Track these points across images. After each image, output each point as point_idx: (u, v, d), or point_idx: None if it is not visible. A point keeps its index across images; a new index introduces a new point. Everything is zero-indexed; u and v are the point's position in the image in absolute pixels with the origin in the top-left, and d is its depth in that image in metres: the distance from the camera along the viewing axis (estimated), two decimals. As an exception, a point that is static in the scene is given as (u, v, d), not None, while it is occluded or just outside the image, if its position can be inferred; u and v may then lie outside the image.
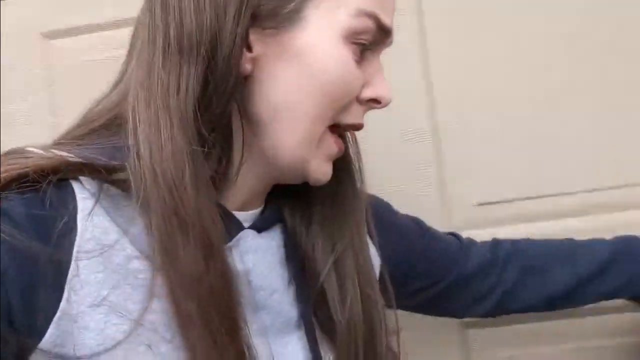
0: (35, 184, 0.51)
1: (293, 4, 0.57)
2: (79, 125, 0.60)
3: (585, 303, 0.83)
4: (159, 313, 0.53)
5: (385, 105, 0.63)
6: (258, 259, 0.62)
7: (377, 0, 0.60)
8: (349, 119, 0.61)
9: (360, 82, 0.61)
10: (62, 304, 0.50)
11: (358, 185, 0.69)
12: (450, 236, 0.86)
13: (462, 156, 0.92)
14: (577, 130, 0.91)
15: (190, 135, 0.54)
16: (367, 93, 0.61)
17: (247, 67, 0.57)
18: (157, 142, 0.53)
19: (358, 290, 0.66)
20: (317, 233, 0.66)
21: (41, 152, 0.53)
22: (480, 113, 0.92)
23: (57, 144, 0.57)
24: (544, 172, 0.92)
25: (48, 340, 0.49)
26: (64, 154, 0.54)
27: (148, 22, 0.57)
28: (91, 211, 0.52)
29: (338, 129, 0.62)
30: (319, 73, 0.58)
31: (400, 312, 0.72)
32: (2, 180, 0.50)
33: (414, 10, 0.92)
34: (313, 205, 0.67)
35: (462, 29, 0.92)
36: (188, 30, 0.55)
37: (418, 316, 0.86)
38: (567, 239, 0.84)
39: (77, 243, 0.51)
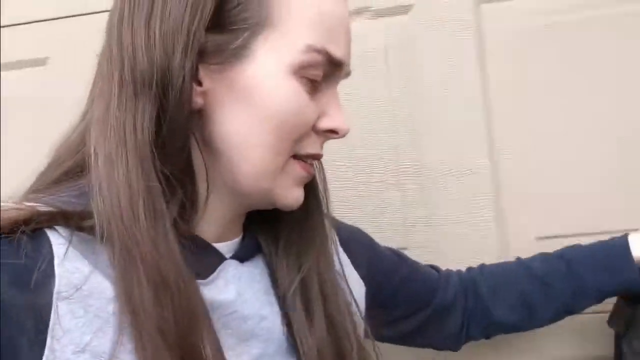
0: (9, 235, 0.51)
1: (240, 40, 0.57)
2: (49, 167, 0.60)
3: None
4: (131, 353, 0.52)
5: (343, 135, 0.63)
6: (243, 288, 0.63)
7: (327, 35, 0.59)
8: (307, 149, 0.62)
9: (314, 114, 0.61)
10: (46, 352, 0.50)
11: (324, 210, 0.70)
12: (430, 268, 0.88)
13: (522, 189, 0.93)
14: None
15: (147, 170, 0.54)
16: (324, 124, 0.62)
17: (199, 101, 0.58)
18: (114, 179, 0.53)
19: (323, 315, 0.66)
20: (282, 257, 0.67)
21: (13, 205, 0.54)
22: (541, 146, 0.93)
23: (32, 191, 0.58)
24: (604, 208, 0.91)
25: None
26: (35, 204, 0.54)
27: (106, 58, 0.58)
28: (64, 257, 0.52)
29: (302, 158, 0.62)
30: (268, 107, 0.58)
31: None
32: None
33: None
34: (281, 231, 0.67)
35: (523, 62, 0.94)
36: (140, 67, 0.55)
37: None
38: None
39: (55, 290, 0.51)
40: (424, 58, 0.96)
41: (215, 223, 0.62)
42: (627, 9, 0.91)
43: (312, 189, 0.68)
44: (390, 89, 0.97)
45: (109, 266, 0.53)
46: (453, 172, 0.95)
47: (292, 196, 0.62)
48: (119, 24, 0.58)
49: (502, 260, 0.92)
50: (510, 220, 0.94)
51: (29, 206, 0.54)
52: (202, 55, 0.57)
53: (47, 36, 1.05)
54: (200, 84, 0.58)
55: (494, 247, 0.94)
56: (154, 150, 0.55)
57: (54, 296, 0.51)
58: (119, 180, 0.53)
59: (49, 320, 0.50)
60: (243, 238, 0.66)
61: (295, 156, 0.61)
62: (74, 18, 1.04)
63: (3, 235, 0.51)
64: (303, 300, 0.66)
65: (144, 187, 0.54)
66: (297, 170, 0.62)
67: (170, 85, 0.55)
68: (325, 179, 0.70)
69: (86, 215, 0.54)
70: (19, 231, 0.51)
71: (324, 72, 0.60)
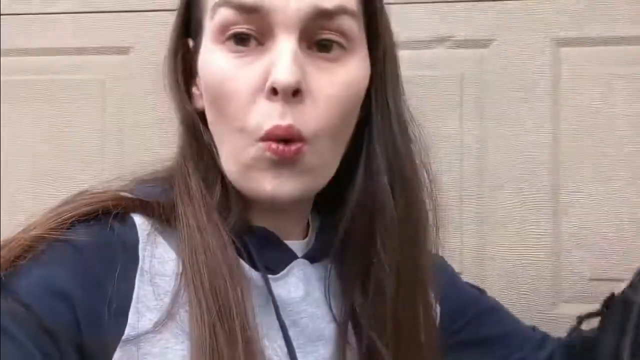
0: (100, 218, 0.55)
1: (197, 40, 0.61)
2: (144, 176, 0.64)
3: None
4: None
5: (286, 89, 0.53)
6: (311, 288, 0.63)
7: None
8: (264, 122, 0.55)
9: (252, 77, 0.55)
10: (127, 330, 0.52)
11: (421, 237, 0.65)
12: (524, 324, 0.80)
13: (580, 229, 0.95)
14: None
15: (196, 171, 0.60)
16: (266, 85, 0.54)
17: (201, 103, 0.62)
18: (178, 184, 0.60)
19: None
20: (350, 262, 0.64)
21: (103, 191, 0.58)
22: (603, 188, 0.95)
23: (122, 186, 0.62)
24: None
25: None
26: (124, 193, 0.58)
27: None
28: (147, 240, 0.56)
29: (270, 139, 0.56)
30: (206, 85, 0.58)
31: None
32: (73, 216, 0.54)
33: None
34: (359, 244, 0.63)
35: (596, 107, 0.96)
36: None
37: None
38: None
39: (139, 271, 0.54)
40: (498, 93, 0.98)
41: (272, 219, 0.62)
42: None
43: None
44: (462, 119, 0.99)
45: (179, 248, 0.57)
46: (514, 208, 0.97)
47: (262, 183, 0.56)
48: None
49: (553, 299, 0.95)
50: (565, 258, 0.96)
51: (119, 193, 0.58)
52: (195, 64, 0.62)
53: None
54: (199, 89, 0.62)
55: (547, 282, 0.96)
56: (195, 151, 0.60)
57: (137, 277, 0.54)
58: (189, 197, 0.59)
59: (131, 299, 0.53)
60: (316, 239, 0.66)
61: (263, 139, 0.55)
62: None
63: (95, 218, 0.55)
64: (377, 329, 0.63)
65: (195, 180, 0.59)
66: (262, 150, 0.55)
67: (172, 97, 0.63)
68: (419, 201, 0.64)
69: (167, 206, 0.58)
70: (111, 215, 0.55)
71: (249, 24, 0.55)
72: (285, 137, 0.55)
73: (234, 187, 0.59)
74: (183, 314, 0.55)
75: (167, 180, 0.61)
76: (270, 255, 0.61)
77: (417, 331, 0.64)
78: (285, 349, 0.59)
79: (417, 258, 0.64)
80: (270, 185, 0.56)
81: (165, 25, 1.03)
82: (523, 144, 0.98)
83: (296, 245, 0.64)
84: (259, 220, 0.61)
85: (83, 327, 0.50)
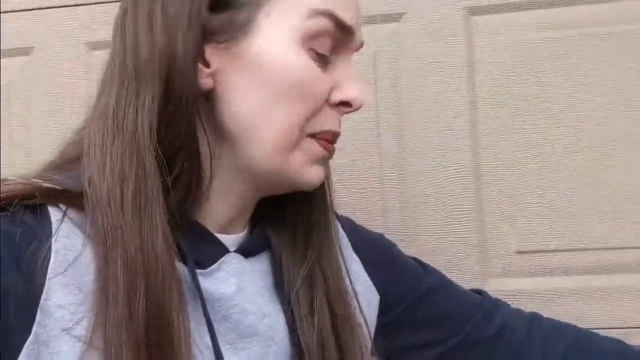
0: (9, 208, 0.51)
1: (243, 15, 0.57)
2: (57, 157, 0.61)
3: None
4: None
5: (357, 107, 0.61)
6: (245, 283, 0.61)
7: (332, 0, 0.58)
8: (323, 126, 0.60)
9: (326, 86, 0.59)
10: (35, 328, 0.49)
11: (329, 204, 0.68)
12: (473, 292, 0.80)
13: (505, 202, 0.93)
14: (625, 184, 0.90)
15: (142, 157, 0.54)
16: (337, 96, 0.60)
17: (207, 82, 0.57)
18: (105, 166, 0.54)
19: (328, 312, 0.64)
20: (288, 253, 0.65)
21: (15, 179, 0.54)
22: (526, 159, 0.92)
23: (35, 174, 0.58)
24: (585, 223, 0.91)
25: None
26: (40, 181, 0.55)
27: (110, 52, 0.59)
28: (60, 231, 0.52)
29: (320, 137, 0.60)
30: (277, 80, 0.57)
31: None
32: None
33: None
34: (288, 226, 0.66)
35: (511, 75, 0.93)
36: (143, 55, 0.56)
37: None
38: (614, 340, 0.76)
39: (51, 265, 0.51)
40: (413, 67, 0.96)
41: (221, 213, 0.61)
42: (620, 29, 0.92)
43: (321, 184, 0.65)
44: (377, 97, 0.96)
45: (98, 244, 0.53)
46: (436, 182, 0.95)
47: (311, 174, 0.60)
48: (123, 17, 0.59)
49: (480, 275, 0.92)
50: (492, 233, 0.93)
51: (31, 181, 0.54)
52: (208, 36, 0.57)
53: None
54: (208, 65, 0.57)
55: (474, 260, 0.93)
56: (155, 137, 0.55)
57: (49, 271, 0.51)
58: (110, 171, 0.54)
59: (41, 295, 0.50)
60: (251, 232, 0.65)
61: (312, 135, 0.60)
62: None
63: (3, 209, 0.51)
64: (307, 299, 0.64)
65: (135, 177, 0.54)
66: (314, 148, 0.60)
67: (175, 70, 0.55)
68: (329, 173, 0.68)
69: (79, 193, 0.54)
70: (20, 205, 0.52)
71: (333, 40, 0.59)
72: (334, 138, 0.62)
73: (206, 179, 0.58)
74: (97, 308, 0.52)
75: (77, 174, 0.57)
76: (200, 249, 0.59)
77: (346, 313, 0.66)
78: (212, 347, 0.57)
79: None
80: (317, 177, 0.61)
81: (66, 22, 1.02)
82: (441, 117, 0.95)
83: (231, 239, 0.62)
84: (197, 215, 0.60)
85: None
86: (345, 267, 0.69)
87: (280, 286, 0.64)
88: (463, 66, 0.95)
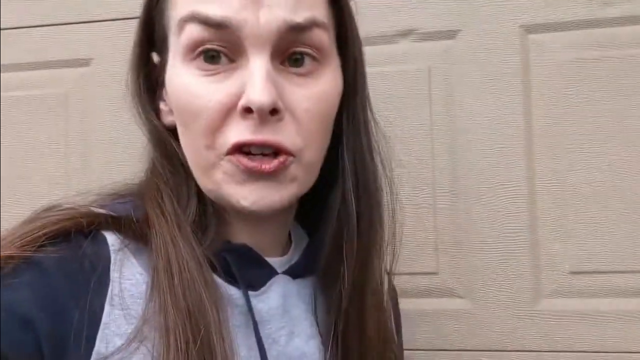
0: (70, 236, 0.52)
1: (162, 55, 0.61)
2: (112, 192, 0.63)
3: None
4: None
5: (260, 109, 0.53)
6: (291, 305, 0.62)
7: (196, 0, 0.55)
8: (232, 137, 0.54)
9: (219, 95, 0.54)
10: (94, 356, 0.50)
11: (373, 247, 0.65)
12: None
13: (558, 222, 0.92)
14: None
15: (167, 188, 0.58)
16: (239, 104, 0.54)
17: (169, 119, 0.61)
18: (150, 201, 0.58)
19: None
20: (323, 292, 0.65)
21: (75, 206, 0.56)
22: (581, 180, 0.92)
23: (87, 201, 0.60)
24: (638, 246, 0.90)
25: None
26: (95, 208, 0.57)
27: None
28: (119, 262, 0.54)
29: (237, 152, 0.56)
30: (176, 105, 0.58)
31: None
32: (43, 234, 0.52)
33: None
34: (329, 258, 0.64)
35: (568, 94, 0.93)
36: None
37: None
38: None
39: (109, 295, 0.52)
40: (467, 84, 0.96)
41: (253, 235, 0.61)
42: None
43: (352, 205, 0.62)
44: (432, 113, 0.96)
45: (149, 265, 0.55)
46: (489, 200, 0.94)
47: (239, 195, 0.55)
48: None
49: (533, 295, 0.92)
50: (545, 253, 0.93)
51: (90, 210, 0.56)
52: (160, 78, 0.61)
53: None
54: (166, 104, 0.62)
55: (526, 278, 0.93)
56: (166, 167, 0.60)
57: (107, 301, 0.52)
58: (153, 199, 0.58)
59: (99, 324, 0.51)
60: (303, 254, 0.66)
61: (228, 152, 0.55)
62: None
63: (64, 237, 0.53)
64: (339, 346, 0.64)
65: (167, 197, 0.58)
66: (230, 165, 0.55)
67: (139, 115, 0.63)
68: (380, 217, 0.66)
69: (140, 223, 0.56)
70: (81, 233, 0.53)
71: (218, 40, 0.54)
72: (264, 152, 0.55)
73: (211, 203, 0.59)
74: (154, 338, 0.52)
75: (138, 195, 0.60)
76: (250, 271, 0.60)
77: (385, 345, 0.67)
78: None
79: (371, 276, 0.66)
80: (251, 198, 0.55)
81: (125, 33, 1.03)
82: (496, 136, 0.95)
83: (276, 261, 0.63)
84: (238, 237, 0.60)
85: (46, 356, 0.48)
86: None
87: (319, 313, 0.65)
88: (518, 84, 0.94)
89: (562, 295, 0.92)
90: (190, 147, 0.57)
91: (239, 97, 0.54)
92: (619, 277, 0.90)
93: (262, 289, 0.60)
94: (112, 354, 0.51)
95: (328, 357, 0.63)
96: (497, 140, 0.95)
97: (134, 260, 0.55)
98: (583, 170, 0.92)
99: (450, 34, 0.97)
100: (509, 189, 0.94)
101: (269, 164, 0.55)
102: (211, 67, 0.55)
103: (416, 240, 0.96)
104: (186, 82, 0.55)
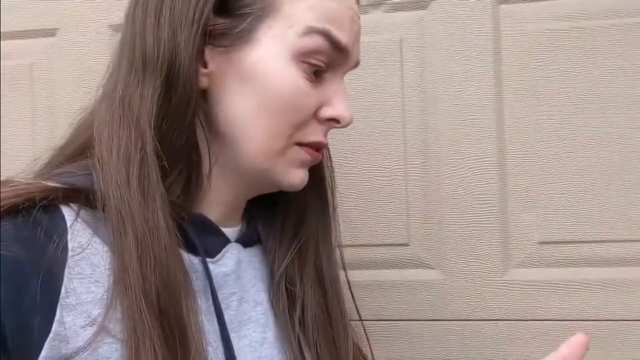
0: (24, 210, 0.52)
1: (244, 24, 0.59)
2: (63, 146, 0.63)
3: None
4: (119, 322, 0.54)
5: (346, 125, 0.64)
6: (242, 272, 0.65)
7: (329, 19, 0.60)
8: (309, 137, 0.62)
9: (314, 101, 0.61)
10: (55, 326, 0.51)
11: (329, 202, 0.72)
12: None
13: (528, 192, 0.93)
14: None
15: (146, 145, 0.56)
16: (326, 112, 0.62)
17: (204, 81, 0.59)
18: (114, 150, 0.56)
19: (310, 309, 0.67)
20: (277, 245, 0.69)
21: (28, 181, 0.56)
22: (551, 150, 0.92)
23: (45, 169, 0.61)
24: (609, 216, 0.91)
25: (42, 359, 0.50)
26: (49, 182, 0.56)
27: (120, 40, 0.62)
28: (74, 230, 0.54)
29: (306, 145, 0.63)
30: (268, 91, 0.59)
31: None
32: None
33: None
34: (278, 220, 0.69)
35: (539, 64, 0.93)
36: (149, 46, 0.58)
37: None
38: None
39: (68, 264, 0.52)
40: (439, 54, 0.95)
41: (219, 206, 0.64)
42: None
43: (316, 179, 0.69)
44: (403, 84, 0.96)
45: (108, 236, 0.55)
46: (460, 171, 0.95)
47: (294, 176, 0.63)
48: (134, 8, 0.61)
49: (502, 265, 0.93)
50: (514, 223, 0.94)
51: (44, 183, 0.56)
52: (209, 38, 0.59)
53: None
54: (205, 66, 0.60)
55: (496, 248, 0.94)
56: (158, 126, 0.57)
57: (66, 270, 0.52)
58: (117, 153, 0.56)
59: (60, 293, 0.52)
60: (247, 225, 0.68)
61: (299, 144, 0.62)
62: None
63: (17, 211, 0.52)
64: (285, 294, 0.67)
65: (139, 160, 0.56)
66: (300, 154, 0.63)
67: (177, 66, 0.57)
68: (333, 170, 0.71)
69: (93, 191, 0.56)
70: (36, 207, 0.53)
71: (328, 58, 0.61)
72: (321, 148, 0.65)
73: (201, 176, 0.60)
74: (118, 310, 0.53)
75: (91, 164, 0.58)
76: (206, 239, 0.62)
77: (340, 312, 0.70)
78: (219, 333, 0.60)
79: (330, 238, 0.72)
80: (301, 179, 0.64)
81: (91, 3, 1.01)
82: (467, 107, 0.95)
83: (229, 231, 0.65)
84: (203, 208, 0.62)
85: (8, 327, 0.49)
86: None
87: (271, 276, 0.68)
88: (490, 55, 0.94)
89: (531, 265, 0.93)
90: (268, 132, 0.60)
91: (323, 104, 0.62)
92: (586, 247, 0.91)
93: (218, 255, 0.63)
94: (75, 331, 0.52)
95: (274, 321, 0.66)
96: (468, 111, 0.95)
97: (90, 231, 0.55)
98: (553, 141, 0.93)
99: (422, 4, 0.96)
100: (480, 160, 0.94)
101: (319, 156, 0.65)
102: (314, 75, 0.61)
103: (387, 211, 0.96)
104: (296, 81, 0.60)
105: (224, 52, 0.60)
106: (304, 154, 0.63)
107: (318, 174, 0.70)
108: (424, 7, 0.96)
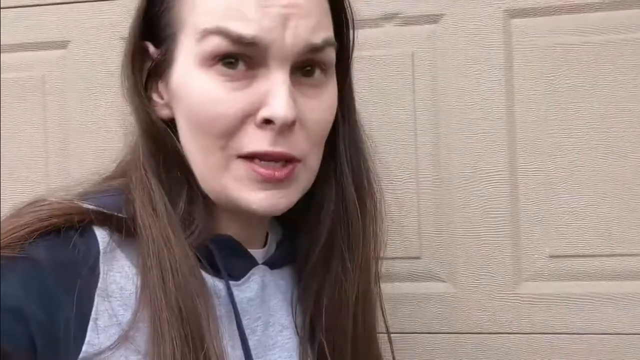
0: (60, 231, 0.54)
1: (165, 47, 0.60)
2: (96, 183, 0.64)
3: None
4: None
5: (282, 124, 0.56)
6: (268, 296, 0.64)
7: (228, 14, 0.56)
8: (247, 146, 0.57)
9: (237, 105, 0.57)
10: (85, 347, 0.52)
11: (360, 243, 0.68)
12: None
13: (539, 206, 0.93)
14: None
15: (157, 177, 0.59)
16: (258, 115, 0.57)
17: (167, 113, 0.61)
18: (140, 195, 0.58)
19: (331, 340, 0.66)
20: (304, 265, 0.67)
21: (61, 201, 0.57)
22: (562, 164, 0.93)
23: (73, 194, 0.61)
24: (622, 230, 0.91)
25: None
26: (83, 203, 0.57)
27: None
28: (107, 254, 0.55)
29: (249, 158, 0.59)
30: (190, 105, 0.58)
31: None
32: (35, 229, 0.53)
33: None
34: (307, 242, 0.67)
35: (550, 78, 0.93)
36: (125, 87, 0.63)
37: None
38: None
39: (99, 286, 0.54)
40: (450, 68, 0.96)
41: (238, 228, 0.63)
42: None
43: (338, 197, 0.66)
44: (415, 97, 0.96)
45: (138, 260, 0.56)
46: (471, 184, 0.95)
47: (252, 198, 0.58)
48: None
49: (513, 278, 0.93)
50: (525, 237, 0.94)
51: (78, 204, 0.57)
52: (154, 72, 0.61)
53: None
54: (162, 97, 0.62)
55: (507, 262, 0.94)
56: (160, 162, 0.59)
57: (97, 292, 0.53)
58: (143, 197, 0.58)
59: (90, 315, 0.52)
60: (280, 245, 0.68)
61: (241, 156, 0.58)
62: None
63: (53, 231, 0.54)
64: (313, 316, 0.66)
65: (159, 193, 0.58)
66: (243, 169, 0.58)
67: (134, 106, 0.61)
68: (376, 210, 0.69)
69: (128, 218, 0.57)
70: (73, 228, 0.54)
71: (239, 54, 0.57)
72: (276, 160, 0.58)
73: (201, 199, 0.60)
74: (143, 331, 0.54)
75: (125, 187, 0.60)
76: (232, 262, 0.61)
77: (370, 338, 0.70)
78: (243, 359, 0.59)
79: (371, 269, 0.70)
80: (262, 202, 0.58)
81: (102, 15, 1.01)
82: (478, 120, 0.95)
83: (256, 253, 0.65)
84: (224, 229, 0.62)
85: (39, 347, 0.50)
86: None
87: (292, 303, 0.68)
88: (501, 69, 0.95)
89: (541, 278, 0.94)
90: (201, 148, 0.58)
91: (258, 106, 0.57)
92: (597, 260, 0.92)
93: (243, 279, 0.62)
94: (103, 351, 0.52)
95: (302, 346, 0.66)
96: (479, 125, 0.95)
97: (122, 254, 0.56)
98: (564, 155, 0.93)
99: (434, 18, 0.96)
100: (491, 174, 0.95)
101: (281, 172, 0.58)
102: (230, 72, 0.57)
103: (399, 225, 0.96)
104: (206, 87, 0.57)
105: (164, 80, 0.61)
106: (248, 170, 0.58)
107: (339, 194, 0.67)
108: (435, 22, 0.96)
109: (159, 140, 0.60)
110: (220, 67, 0.57)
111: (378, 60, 0.96)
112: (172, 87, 0.60)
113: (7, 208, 0.58)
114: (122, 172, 0.63)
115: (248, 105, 0.57)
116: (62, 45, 1.03)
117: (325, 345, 0.65)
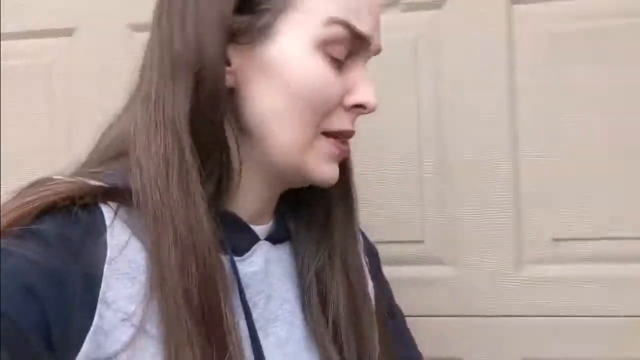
0: (66, 208, 0.54)
1: (265, 19, 0.60)
2: (100, 146, 0.63)
3: None
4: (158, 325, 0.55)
5: (371, 110, 0.64)
6: (270, 270, 0.65)
7: (350, 9, 0.60)
8: (335, 125, 0.63)
9: (339, 90, 0.62)
10: (95, 320, 0.52)
11: (353, 200, 0.71)
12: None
13: (542, 190, 0.94)
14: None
15: (183, 145, 0.57)
16: (351, 99, 0.63)
17: (230, 81, 0.60)
18: (151, 153, 0.57)
19: (342, 300, 0.67)
20: (306, 242, 0.69)
21: (68, 179, 0.57)
22: (564, 149, 0.93)
23: (78, 172, 0.61)
24: (625, 213, 0.92)
25: (83, 353, 0.51)
26: (89, 180, 0.57)
27: (149, 44, 0.63)
28: (113, 228, 0.55)
29: (333, 135, 0.63)
30: (293, 83, 0.59)
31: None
32: (39, 206, 0.53)
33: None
34: (307, 216, 0.70)
35: (552, 64, 0.94)
36: (177, 50, 0.59)
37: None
38: None
39: (107, 260, 0.54)
40: (453, 53, 0.96)
41: (250, 203, 0.64)
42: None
43: (342, 175, 0.68)
44: (417, 82, 0.97)
45: (145, 235, 0.56)
46: (474, 168, 0.96)
47: (324, 171, 0.63)
48: (160, 12, 0.62)
49: (515, 261, 0.94)
50: (528, 220, 0.95)
51: (83, 181, 0.57)
52: (232, 36, 0.60)
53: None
54: (229, 63, 0.60)
55: (510, 245, 0.95)
56: (190, 127, 0.58)
57: (105, 267, 0.53)
58: (156, 154, 0.57)
59: (99, 289, 0.53)
60: (276, 221, 0.68)
61: (326, 133, 0.62)
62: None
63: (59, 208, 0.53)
64: (319, 289, 0.67)
65: (178, 160, 0.57)
66: (327, 146, 0.63)
67: (203, 66, 0.58)
68: (352, 170, 0.71)
69: (131, 190, 0.57)
70: (77, 204, 0.54)
71: (348, 48, 0.61)
72: (348, 137, 0.65)
73: (237, 173, 0.61)
74: (155, 309, 0.54)
75: (127, 165, 0.59)
76: (235, 238, 0.62)
77: (366, 303, 0.69)
78: (246, 331, 0.60)
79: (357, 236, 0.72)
80: (332, 175, 0.64)
81: (108, 2, 1.02)
82: (480, 104, 0.96)
83: (258, 229, 0.66)
84: (234, 206, 0.63)
85: (52, 323, 0.50)
86: (366, 262, 0.73)
87: (300, 273, 0.68)
88: (503, 53, 0.95)
89: (544, 261, 0.94)
90: (295, 124, 0.61)
91: (348, 91, 0.62)
92: (599, 243, 0.93)
93: (246, 254, 0.63)
94: (115, 325, 0.53)
95: (301, 319, 0.67)
96: (482, 109, 0.96)
97: (128, 229, 0.56)
98: (566, 138, 0.94)
99: (437, 4, 0.97)
100: (494, 158, 0.96)
101: (348, 151, 0.66)
102: (336, 63, 0.61)
103: (402, 209, 0.97)
104: (320, 70, 0.60)
105: (246, 49, 0.60)
106: (332, 148, 0.63)
107: (343, 168, 0.69)
108: (438, 7, 0.97)
109: (211, 107, 0.59)
110: (329, 57, 0.61)
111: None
112: (266, 59, 0.60)
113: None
114: (123, 149, 0.61)
115: (344, 91, 0.62)
116: (69, 32, 1.04)
117: (337, 318, 0.67)
